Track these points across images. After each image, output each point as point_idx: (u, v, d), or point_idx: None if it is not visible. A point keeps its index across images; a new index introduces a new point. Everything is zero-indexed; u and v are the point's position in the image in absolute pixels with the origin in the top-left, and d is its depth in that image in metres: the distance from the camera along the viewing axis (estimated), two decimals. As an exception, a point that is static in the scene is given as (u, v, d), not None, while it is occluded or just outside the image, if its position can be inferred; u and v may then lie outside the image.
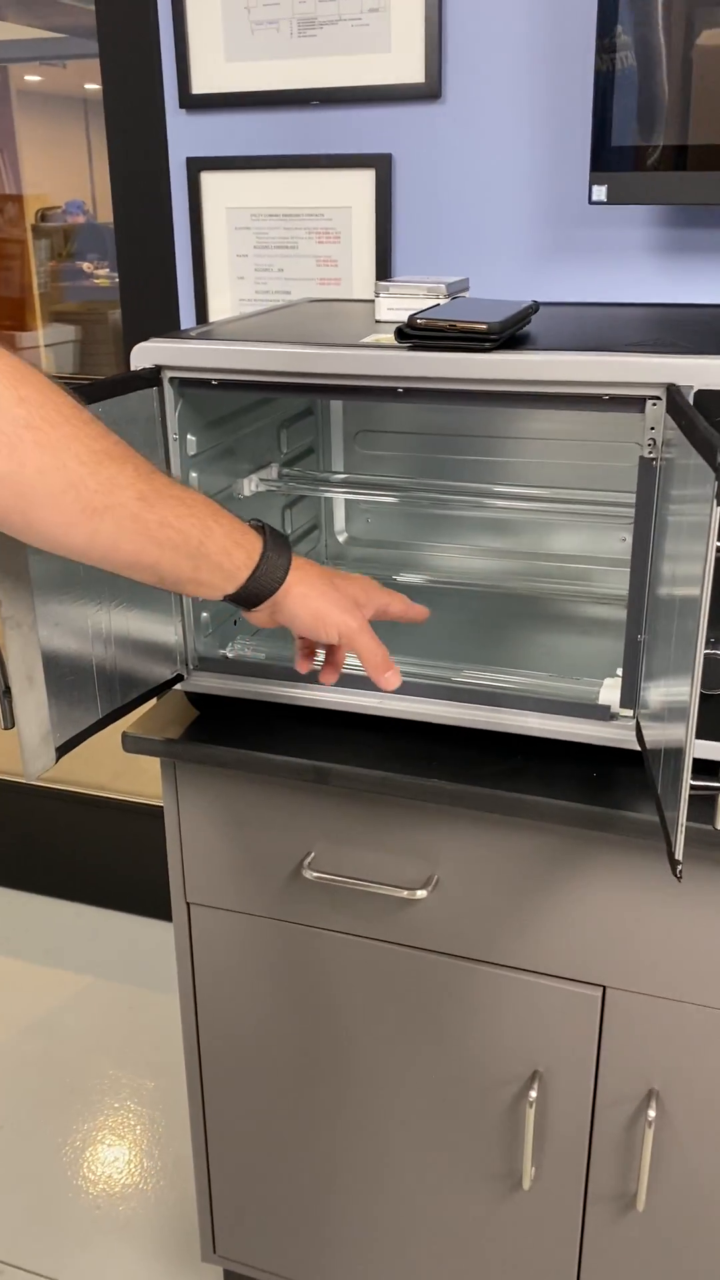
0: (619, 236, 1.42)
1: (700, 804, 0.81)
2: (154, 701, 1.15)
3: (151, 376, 1.01)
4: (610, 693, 1.03)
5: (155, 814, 2.22)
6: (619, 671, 1.01)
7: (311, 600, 0.88)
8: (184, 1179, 1.74)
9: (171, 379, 1.02)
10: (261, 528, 0.87)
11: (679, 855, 0.78)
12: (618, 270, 1.44)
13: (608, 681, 1.05)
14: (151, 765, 2.59)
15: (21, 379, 0.70)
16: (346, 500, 1.43)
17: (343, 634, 0.89)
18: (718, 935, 1.01)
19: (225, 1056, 1.28)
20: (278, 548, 0.86)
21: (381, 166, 1.48)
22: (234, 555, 0.83)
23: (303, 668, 1.01)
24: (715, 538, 0.71)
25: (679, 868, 0.79)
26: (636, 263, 1.43)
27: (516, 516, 1.36)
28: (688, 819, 0.78)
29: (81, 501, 0.73)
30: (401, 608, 0.97)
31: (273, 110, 1.52)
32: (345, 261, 1.55)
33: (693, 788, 0.78)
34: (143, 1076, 1.94)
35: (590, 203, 1.30)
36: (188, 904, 1.21)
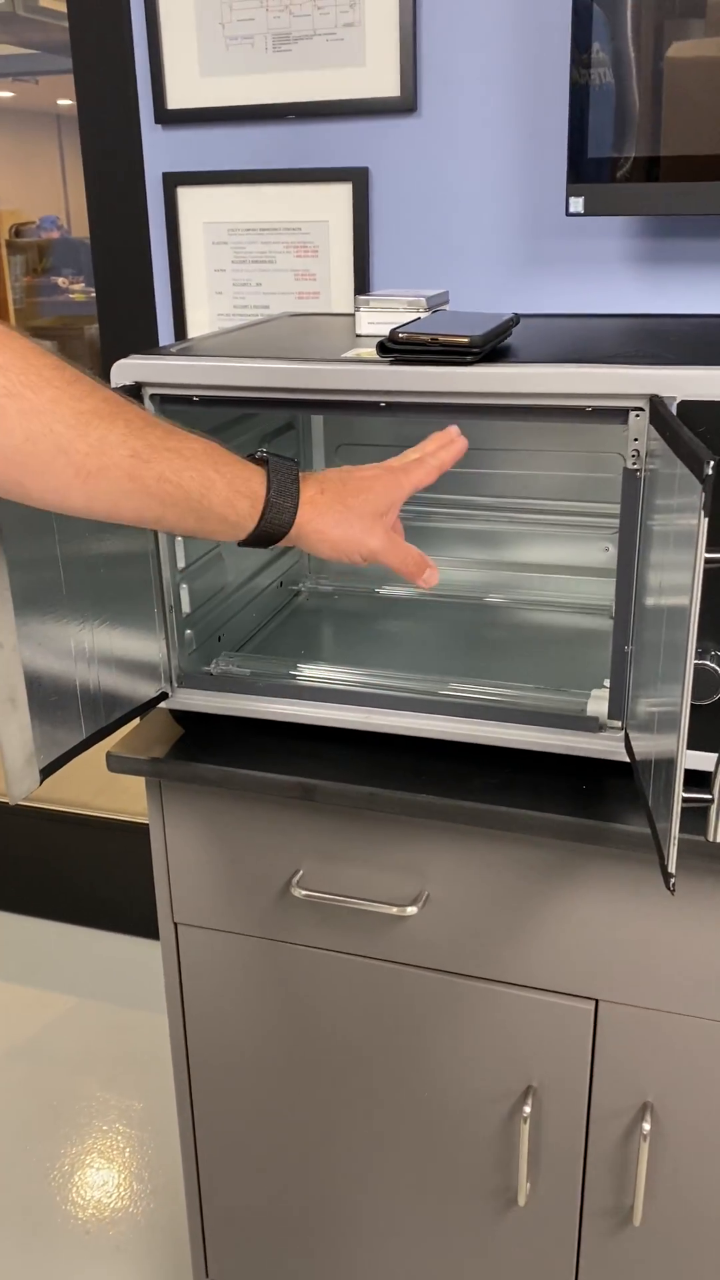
0: (596, 248, 1.43)
1: (691, 815, 0.81)
2: (136, 720, 1.14)
3: (133, 393, 1.00)
4: (598, 704, 1.03)
5: (138, 831, 2.21)
6: (606, 683, 1.01)
7: (327, 533, 0.85)
8: (174, 1201, 1.73)
9: (153, 395, 1.01)
10: (266, 465, 0.84)
11: (672, 868, 0.78)
12: (595, 281, 1.45)
13: (595, 693, 1.05)
14: (134, 782, 2.57)
15: (2, 345, 0.69)
16: (329, 514, 1.42)
17: (366, 558, 0.87)
18: (709, 946, 1.00)
19: (215, 1078, 1.26)
20: (283, 488, 0.83)
21: (358, 180, 1.48)
22: (238, 505, 0.81)
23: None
24: (703, 549, 0.71)
25: (672, 881, 0.78)
26: (613, 274, 1.44)
27: (499, 528, 1.36)
28: (679, 830, 0.77)
29: (74, 465, 0.72)
30: (432, 469, 0.91)
31: (249, 125, 1.52)
32: (323, 275, 1.55)
33: (684, 799, 0.77)
34: (131, 1098, 1.92)
35: (567, 214, 1.31)
36: (175, 924, 1.20)
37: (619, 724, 0.99)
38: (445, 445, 0.92)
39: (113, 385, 1.00)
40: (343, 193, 1.50)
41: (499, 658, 1.21)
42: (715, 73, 1.21)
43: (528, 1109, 1.11)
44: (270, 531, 0.83)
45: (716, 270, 1.40)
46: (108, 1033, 2.07)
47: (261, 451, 0.85)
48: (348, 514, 0.86)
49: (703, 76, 1.21)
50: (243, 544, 0.84)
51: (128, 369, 1.01)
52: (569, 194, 1.29)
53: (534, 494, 1.34)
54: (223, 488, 0.80)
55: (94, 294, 1.76)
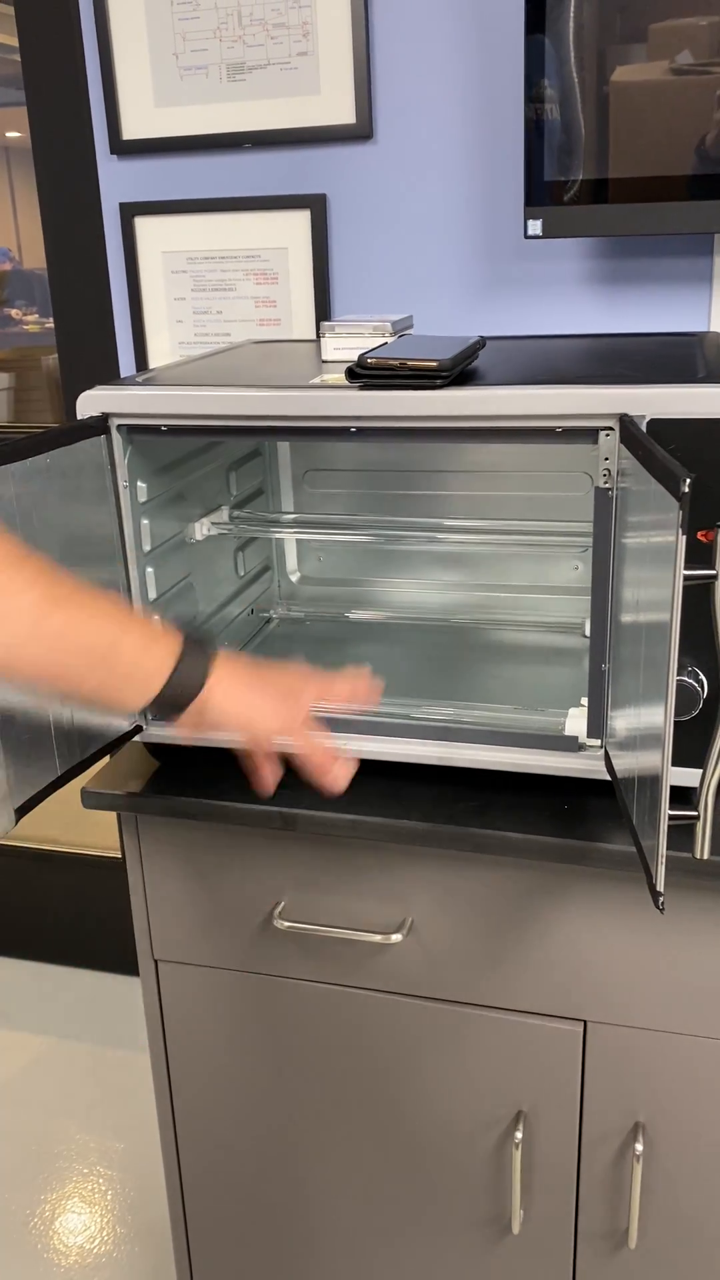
0: (554, 270, 1.44)
1: (675, 832, 0.81)
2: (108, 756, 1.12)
3: (99, 425, 0.99)
4: (576, 723, 1.02)
5: (110, 866, 2.17)
6: (583, 701, 1.01)
7: (237, 699, 0.81)
8: (159, 1244, 1.69)
9: (120, 426, 1.00)
10: (180, 631, 0.82)
11: (661, 886, 0.78)
12: (554, 302, 1.46)
13: (573, 712, 1.05)
14: (104, 817, 2.54)
15: None
16: (298, 540, 1.42)
17: (276, 734, 0.83)
18: (696, 962, 1.00)
19: (200, 1116, 1.24)
20: (196, 650, 0.81)
21: (316, 207, 1.49)
22: (145, 663, 0.78)
23: (264, 787, 0.91)
24: (682, 566, 0.71)
25: (661, 899, 0.78)
26: (572, 295, 1.45)
27: (468, 549, 1.36)
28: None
29: None
30: (347, 690, 0.88)
31: (205, 154, 1.52)
32: (284, 302, 1.55)
33: (670, 817, 0.77)
34: (111, 1139, 1.89)
35: (525, 237, 1.32)
36: (155, 961, 1.18)
37: (598, 742, 0.99)
38: (358, 686, 0.89)
39: (79, 416, 0.99)
40: (301, 219, 1.51)
41: (473, 679, 1.21)
42: (661, 96, 1.22)
43: (519, 1134, 1.10)
44: (178, 694, 0.79)
45: (671, 289, 1.41)
46: (86, 1073, 2.03)
47: (176, 626, 0.83)
48: (261, 685, 0.83)
49: (649, 100, 1.23)
50: (147, 710, 0.80)
51: (93, 400, 1.00)
52: (527, 217, 1.30)
53: (502, 515, 1.34)
54: (132, 643, 0.77)
55: (48, 325, 1.75)
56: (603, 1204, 1.12)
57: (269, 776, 0.90)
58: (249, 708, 0.82)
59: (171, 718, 0.81)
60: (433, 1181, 1.18)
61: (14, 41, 1.58)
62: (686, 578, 0.72)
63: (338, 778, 0.85)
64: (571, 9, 1.22)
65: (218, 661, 0.81)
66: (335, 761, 0.85)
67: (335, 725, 1.05)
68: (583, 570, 1.33)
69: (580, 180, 1.28)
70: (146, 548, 1.07)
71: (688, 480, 0.68)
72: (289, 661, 0.88)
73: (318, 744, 0.84)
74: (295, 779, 1.07)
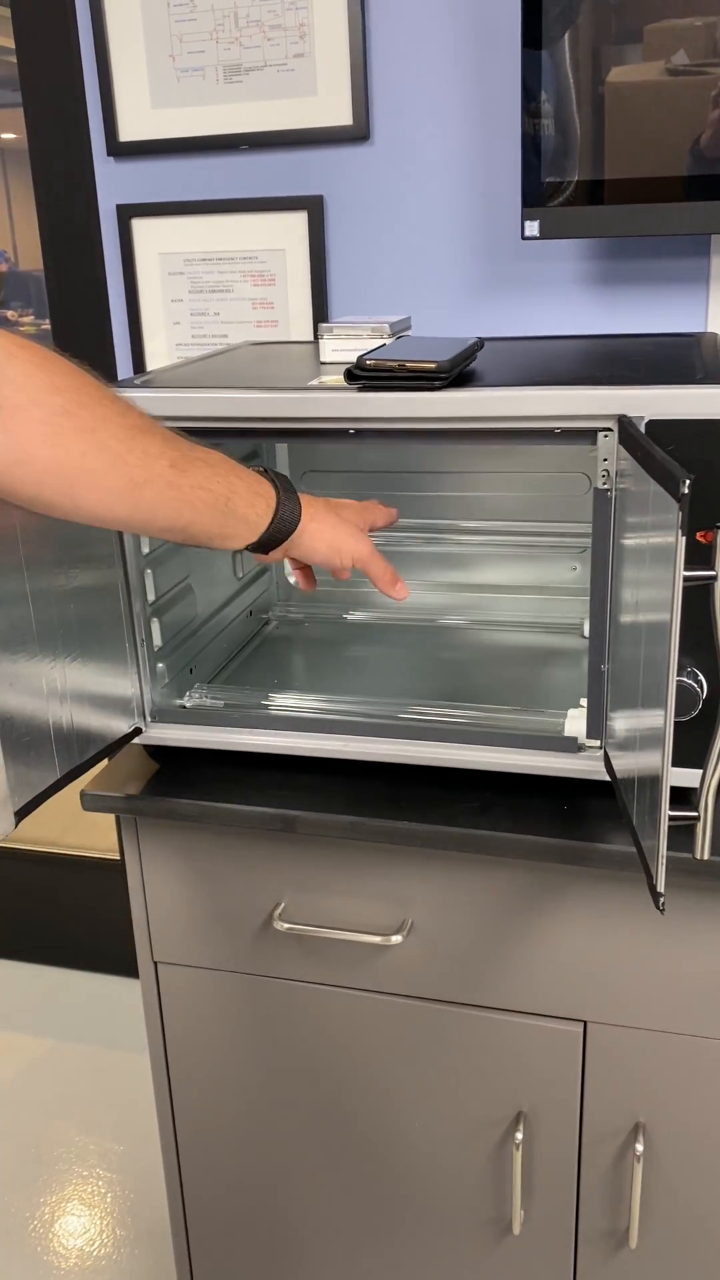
0: (552, 270, 1.44)
1: (675, 832, 0.81)
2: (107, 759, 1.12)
3: (97, 426, 0.99)
4: (576, 724, 1.02)
5: (109, 867, 2.17)
6: (583, 702, 1.01)
7: (325, 533, 0.93)
8: (160, 1246, 1.69)
9: (118, 428, 1.00)
10: (268, 474, 0.91)
11: (661, 887, 0.78)
12: (552, 304, 1.46)
13: (572, 712, 1.05)
14: (102, 819, 2.54)
15: (50, 366, 0.73)
16: (296, 541, 1.42)
17: (357, 559, 0.95)
18: (695, 962, 1.00)
19: (200, 1117, 1.24)
20: (288, 493, 0.90)
21: (314, 208, 1.49)
22: (256, 505, 0.87)
23: (309, 585, 1.06)
24: (682, 567, 0.71)
25: (661, 900, 0.78)
26: (569, 296, 1.45)
27: (466, 550, 1.36)
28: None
29: (124, 478, 0.76)
30: (384, 520, 1.02)
31: (202, 155, 1.52)
32: (281, 303, 1.55)
33: (671, 818, 0.77)
34: (110, 1141, 1.89)
35: (523, 238, 1.32)
36: (155, 963, 1.18)
37: (598, 743, 0.99)
38: (390, 512, 1.03)
39: (78, 419, 0.99)
40: (299, 221, 1.51)
41: (472, 680, 1.21)
42: (657, 97, 1.23)
43: (519, 1135, 1.10)
44: (279, 532, 0.90)
45: (668, 290, 1.42)
46: (85, 1075, 2.03)
47: (259, 465, 0.91)
48: (340, 521, 0.95)
49: (645, 100, 1.23)
50: (250, 548, 0.90)
51: (92, 402, 0.99)
52: (524, 218, 1.31)
53: (500, 516, 1.34)
54: (244, 490, 0.86)
55: (44, 326, 1.75)
56: (603, 1204, 1.12)
57: (310, 580, 1.06)
58: (334, 539, 0.94)
59: (264, 551, 0.92)
60: (433, 1182, 1.18)
61: (10, 43, 1.58)
62: (686, 579, 0.73)
63: (400, 590, 0.99)
64: (567, 10, 1.22)
65: (304, 504, 0.92)
66: (398, 579, 0.99)
67: (340, 728, 1.05)
68: (581, 571, 1.33)
69: (577, 181, 1.28)
70: (145, 550, 1.07)
71: (687, 481, 0.68)
72: (348, 500, 0.99)
73: (385, 565, 0.98)
74: (293, 781, 1.07)
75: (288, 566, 1.02)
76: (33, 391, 0.71)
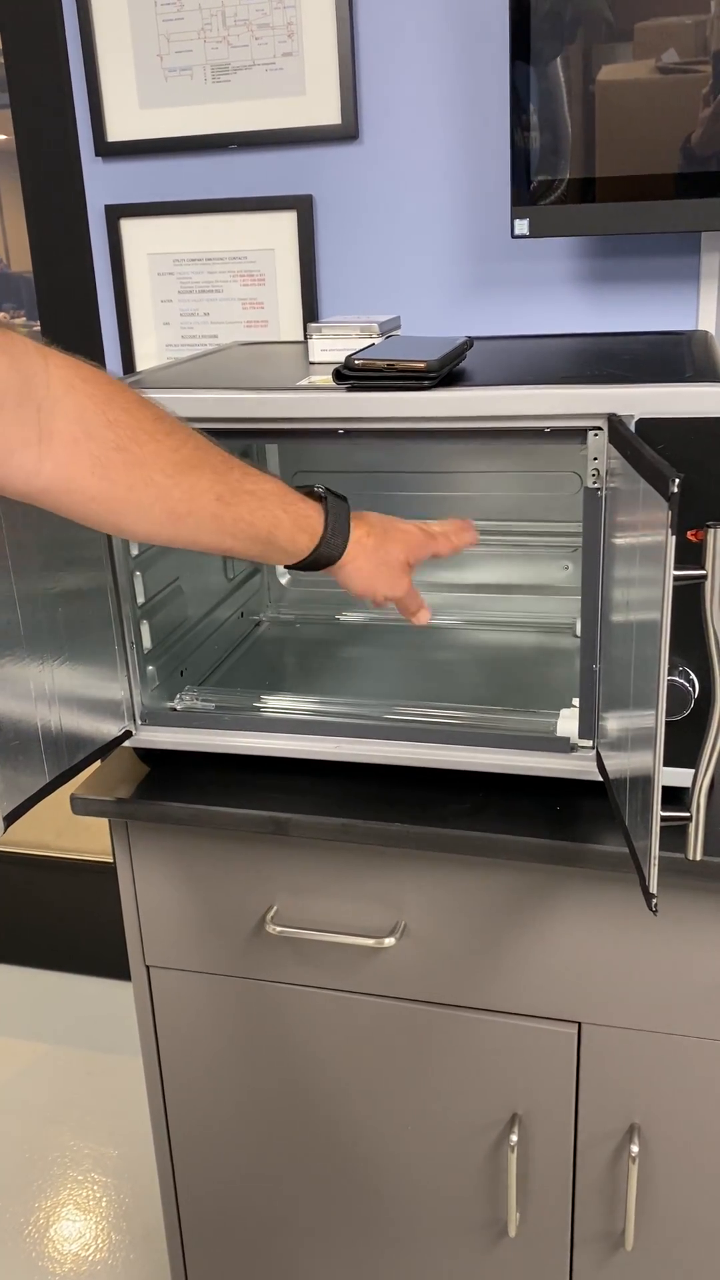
0: (542, 269, 1.44)
1: (668, 832, 0.80)
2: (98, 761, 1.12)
3: (85, 428, 0.98)
4: (568, 724, 1.02)
5: (102, 870, 2.17)
6: (575, 702, 1.01)
7: (365, 573, 0.94)
8: (155, 1250, 1.68)
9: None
10: (324, 501, 0.92)
11: (654, 888, 0.77)
12: (542, 302, 1.46)
13: (564, 712, 1.04)
14: (95, 822, 2.52)
15: (110, 402, 0.76)
16: (287, 542, 1.41)
17: (387, 600, 0.98)
18: (689, 963, 1.00)
19: (194, 1120, 1.24)
20: (338, 527, 0.92)
21: (303, 207, 1.48)
22: (298, 540, 0.89)
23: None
24: (672, 566, 0.71)
25: (654, 900, 0.78)
26: (560, 294, 1.45)
27: (458, 550, 1.35)
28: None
29: (168, 510, 0.80)
30: (449, 549, 1.01)
31: (191, 155, 1.52)
32: (271, 303, 1.55)
33: (663, 818, 0.77)
34: (105, 1145, 1.88)
35: (513, 236, 1.32)
36: (147, 967, 1.17)
37: (590, 743, 0.99)
38: (463, 530, 1.02)
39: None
40: (288, 221, 1.50)
41: (463, 680, 1.20)
42: (647, 95, 1.22)
43: (514, 1137, 1.10)
44: (319, 561, 0.92)
45: (658, 288, 1.41)
46: (79, 1079, 2.02)
47: (321, 487, 0.93)
48: (385, 562, 0.96)
49: (635, 98, 1.23)
50: (291, 567, 0.92)
51: (80, 404, 0.99)
52: (514, 216, 1.30)
53: (492, 515, 1.33)
54: (288, 525, 0.88)
55: (35, 328, 1.75)
56: (599, 1206, 1.12)
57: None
58: (370, 582, 0.95)
59: (305, 571, 0.94)
60: (428, 1185, 1.17)
61: (-3, 43, 1.58)
62: (676, 578, 0.72)
63: (422, 616, 1.01)
64: (557, 9, 1.21)
65: (355, 532, 0.93)
66: (422, 607, 1.01)
67: (332, 729, 1.05)
68: (573, 570, 1.33)
69: (567, 179, 1.27)
70: (135, 552, 1.06)
71: (676, 480, 0.68)
72: (403, 522, 0.99)
73: (415, 598, 1.00)
74: (285, 783, 1.06)
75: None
76: (88, 425, 0.74)
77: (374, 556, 0.94)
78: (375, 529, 0.95)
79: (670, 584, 0.71)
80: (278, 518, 0.87)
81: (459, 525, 1.02)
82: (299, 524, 0.89)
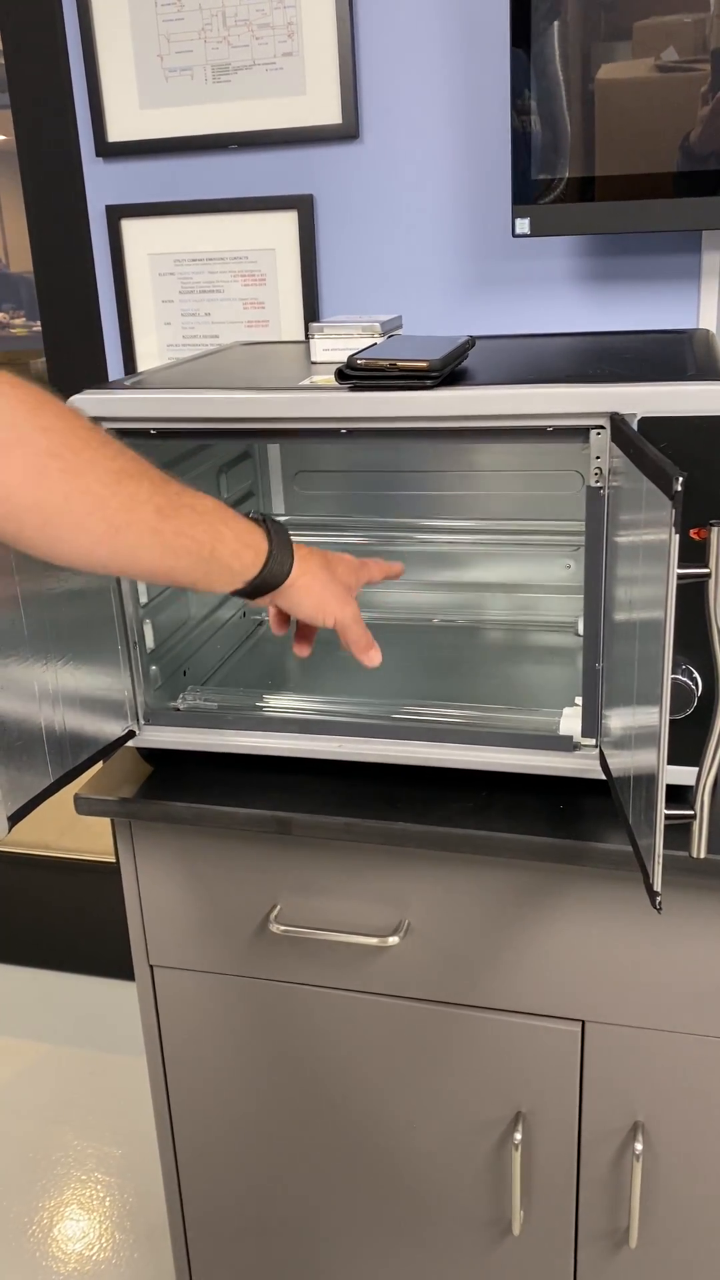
0: (543, 268, 1.44)
1: (672, 830, 0.81)
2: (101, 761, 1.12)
3: (88, 428, 0.98)
4: (571, 722, 1.02)
5: (105, 870, 2.17)
6: (578, 700, 1.01)
7: (314, 591, 0.92)
8: (159, 1249, 1.68)
9: (110, 430, 0.99)
10: (265, 524, 0.90)
11: (658, 886, 0.77)
12: (543, 301, 1.46)
13: (567, 711, 1.04)
14: (98, 822, 2.52)
15: (41, 408, 0.73)
16: (289, 542, 1.41)
17: (339, 622, 0.95)
18: (693, 961, 1.00)
19: (198, 1120, 1.24)
20: (282, 545, 0.90)
21: (304, 207, 1.48)
22: (243, 556, 0.86)
23: (280, 628, 1.03)
24: (675, 565, 0.71)
25: (658, 898, 0.78)
26: (561, 293, 1.45)
27: (460, 549, 1.35)
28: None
29: (105, 521, 0.76)
30: (381, 574, 1.02)
31: (191, 155, 1.52)
32: (272, 303, 1.55)
33: (667, 817, 0.77)
34: (109, 1145, 1.88)
35: (514, 235, 1.32)
36: (151, 967, 1.17)
37: (593, 742, 0.99)
38: (391, 565, 1.03)
39: (68, 421, 0.99)
40: (289, 220, 1.50)
41: (466, 679, 1.20)
42: (646, 93, 1.22)
43: (518, 1135, 1.10)
44: (268, 581, 0.89)
45: (660, 287, 1.41)
46: (82, 1079, 2.02)
47: (258, 513, 0.91)
48: (332, 580, 0.94)
49: (635, 97, 1.23)
50: (236, 593, 0.89)
51: (83, 403, 0.99)
52: (514, 215, 1.30)
53: (493, 514, 1.34)
54: (231, 540, 0.85)
55: (35, 329, 1.75)
56: (603, 1204, 1.12)
57: (306, 647, 1.04)
58: (320, 601, 0.93)
59: (252, 600, 0.91)
60: (432, 1183, 1.17)
61: (-3, 44, 1.58)
62: (680, 576, 0.72)
63: (373, 656, 0.97)
64: (556, 7, 1.21)
65: (298, 551, 0.91)
66: (373, 645, 0.97)
67: (335, 729, 1.05)
68: (575, 569, 1.33)
69: (567, 178, 1.27)
70: (137, 552, 1.06)
71: (680, 479, 0.68)
72: (344, 555, 0.99)
73: (362, 631, 0.96)
74: (288, 782, 1.06)
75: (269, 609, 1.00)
76: (21, 430, 0.71)
77: (321, 575, 0.93)
78: (315, 551, 0.94)
79: (674, 582, 0.71)
80: (220, 533, 0.84)
81: (386, 565, 1.02)
82: (243, 539, 0.86)
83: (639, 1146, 1.06)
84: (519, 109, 1.26)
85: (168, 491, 0.81)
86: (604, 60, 1.23)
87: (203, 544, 0.83)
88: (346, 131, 1.44)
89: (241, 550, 0.86)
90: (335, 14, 1.40)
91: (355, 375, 0.93)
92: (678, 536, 0.70)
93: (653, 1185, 1.09)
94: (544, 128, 1.26)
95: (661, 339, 1.19)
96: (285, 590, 0.90)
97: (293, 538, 0.92)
